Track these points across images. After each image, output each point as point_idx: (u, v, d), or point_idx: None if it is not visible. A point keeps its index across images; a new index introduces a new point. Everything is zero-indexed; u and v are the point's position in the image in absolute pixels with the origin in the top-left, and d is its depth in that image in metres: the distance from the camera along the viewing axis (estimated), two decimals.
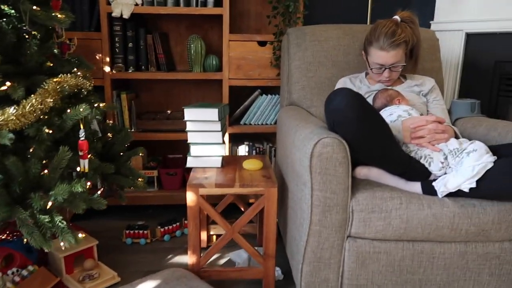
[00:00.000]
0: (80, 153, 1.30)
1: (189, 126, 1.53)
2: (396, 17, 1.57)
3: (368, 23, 2.21)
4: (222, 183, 1.38)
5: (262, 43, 2.02)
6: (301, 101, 1.75)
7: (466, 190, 1.14)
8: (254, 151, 2.16)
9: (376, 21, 1.59)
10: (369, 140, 1.14)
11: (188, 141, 1.54)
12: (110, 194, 1.51)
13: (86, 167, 1.32)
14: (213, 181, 1.39)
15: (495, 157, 1.14)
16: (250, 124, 2.12)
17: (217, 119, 1.51)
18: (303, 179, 1.19)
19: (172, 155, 2.33)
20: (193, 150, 1.54)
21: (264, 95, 2.09)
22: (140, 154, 1.73)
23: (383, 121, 1.16)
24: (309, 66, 1.77)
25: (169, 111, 2.30)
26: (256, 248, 1.67)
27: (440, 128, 1.24)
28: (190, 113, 1.52)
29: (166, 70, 2.08)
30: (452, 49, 2.19)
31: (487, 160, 1.12)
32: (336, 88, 1.66)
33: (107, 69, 1.97)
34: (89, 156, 1.35)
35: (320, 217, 1.16)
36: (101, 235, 1.89)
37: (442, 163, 1.19)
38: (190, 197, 1.37)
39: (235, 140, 2.24)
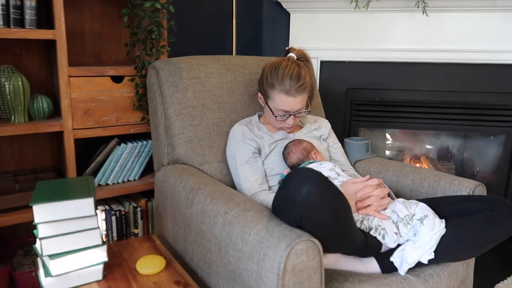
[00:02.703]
0: None
1: (43, 231, 0.96)
2: (292, 55, 1.37)
3: (233, 53, 1.96)
4: None
5: (117, 79, 1.51)
6: (190, 158, 1.37)
7: (425, 262, 1.05)
8: (114, 217, 1.63)
9: (274, 60, 1.36)
10: (339, 228, 0.90)
11: (44, 254, 0.97)
12: None
13: None
14: None
15: (443, 221, 1.08)
16: (107, 184, 1.59)
17: (93, 213, 1.00)
18: None
19: None
20: (55, 266, 0.98)
21: (123, 144, 1.59)
22: None
23: (347, 201, 0.94)
24: (193, 111, 1.40)
25: None
26: None
27: (383, 192, 1.12)
28: (45, 211, 0.95)
29: None
30: None
31: (440, 227, 1.05)
32: (233, 139, 1.35)
33: None
34: None
35: None
36: None
37: (396, 233, 1.07)
38: None
39: None
